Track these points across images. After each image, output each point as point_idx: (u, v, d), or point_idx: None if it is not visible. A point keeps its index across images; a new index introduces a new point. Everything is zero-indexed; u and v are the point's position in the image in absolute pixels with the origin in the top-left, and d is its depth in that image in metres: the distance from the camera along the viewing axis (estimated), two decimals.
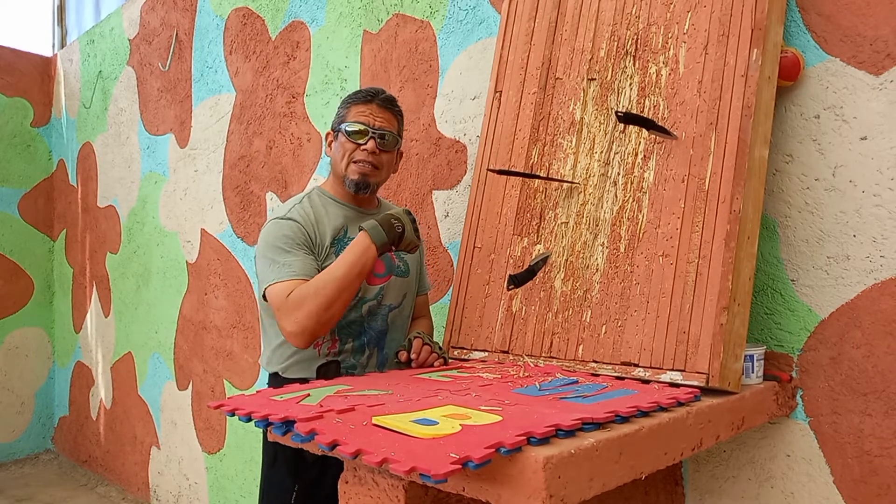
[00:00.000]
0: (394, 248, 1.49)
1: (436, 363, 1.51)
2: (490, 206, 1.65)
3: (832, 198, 1.38)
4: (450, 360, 1.57)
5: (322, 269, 1.52)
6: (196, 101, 3.27)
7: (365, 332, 1.64)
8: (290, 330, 1.44)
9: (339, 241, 1.62)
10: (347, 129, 1.62)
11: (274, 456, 1.63)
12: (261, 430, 1.69)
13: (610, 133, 1.49)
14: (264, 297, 1.55)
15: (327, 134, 1.71)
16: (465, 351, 1.59)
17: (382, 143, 1.62)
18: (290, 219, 1.59)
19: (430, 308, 2.13)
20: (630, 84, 1.48)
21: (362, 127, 1.61)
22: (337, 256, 1.55)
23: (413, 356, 1.49)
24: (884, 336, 1.31)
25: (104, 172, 4.04)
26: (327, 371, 1.60)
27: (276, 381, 1.64)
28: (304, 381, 1.53)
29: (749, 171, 1.27)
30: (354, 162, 1.62)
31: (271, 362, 1.66)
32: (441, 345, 1.57)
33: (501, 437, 0.85)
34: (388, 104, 1.66)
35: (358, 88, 2.39)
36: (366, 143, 1.61)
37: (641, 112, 1.44)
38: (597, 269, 1.43)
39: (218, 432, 3.08)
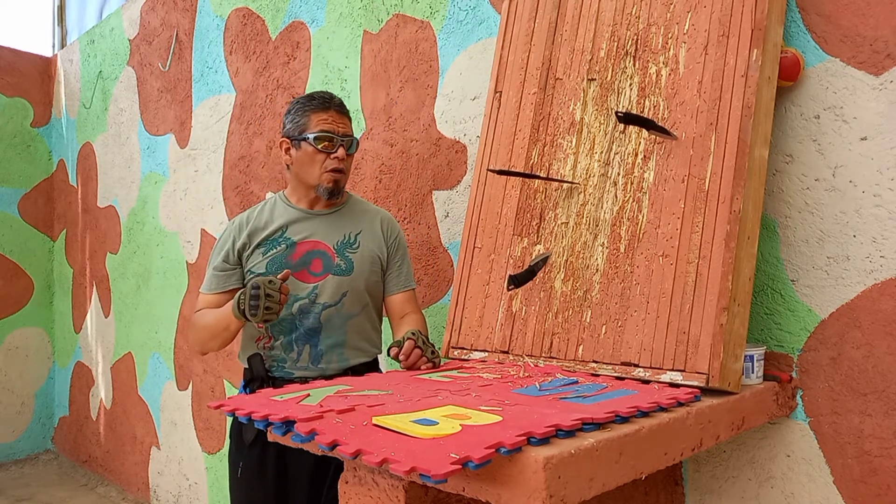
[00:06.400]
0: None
1: (423, 367, 1.51)
2: (490, 207, 1.65)
3: (832, 198, 1.38)
4: (442, 363, 1.56)
5: (246, 265, 1.72)
6: (196, 101, 3.27)
7: (295, 329, 1.70)
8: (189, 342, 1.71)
9: (272, 241, 1.71)
10: (314, 138, 1.66)
11: (230, 435, 1.79)
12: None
13: (610, 133, 1.49)
14: None
15: (282, 142, 1.74)
16: (465, 351, 1.59)
17: (348, 148, 1.71)
18: (232, 222, 1.78)
19: (431, 307, 2.13)
20: (630, 84, 1.48)
21: (330, 136, 1.67)
22: (264, 256, 1.70)
23: (402, 358, 1.50)
24: (884, 336, 1.31)
25: (104, 172, 4.04)
26: (253, 362, 1.72)
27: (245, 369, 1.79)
28: (248, 371, 1.74)
29: (749, 171, 1.27)
30: (327, 171, 1.68)
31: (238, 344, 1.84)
32: (434, 347, 1.55)
33: (501, 438, 0.85)
34: (344, 109, 1.74)
35: (359, 91, 2.40)
36: (336, 151, 1.68)
37: (641, 112, 1.44)
38: (597, 270, 1.43)
39: (218, 432, 3.08)
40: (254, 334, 1.74)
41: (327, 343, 1.71)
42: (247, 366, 1.75)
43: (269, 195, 2.80)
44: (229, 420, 2.98)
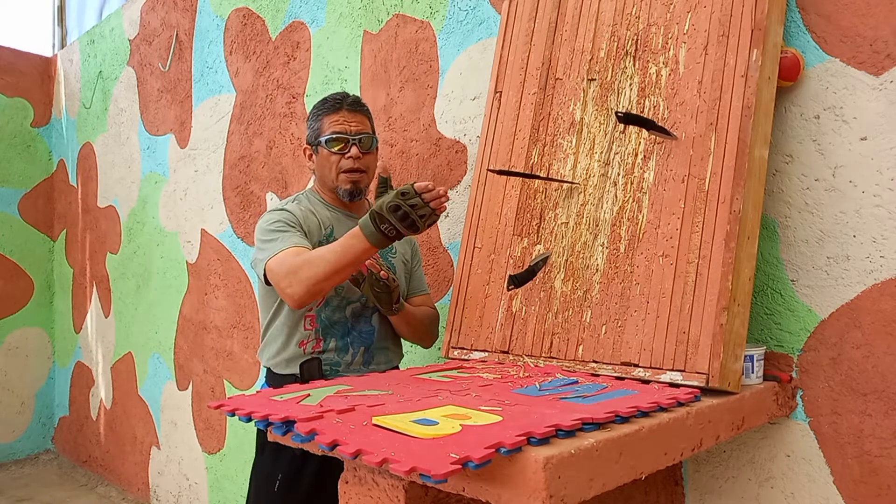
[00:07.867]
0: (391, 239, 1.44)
1: (382, 272, 1.57)
2: (490, 207, 1.65)
3: (832, 198, 1.38)
4: (442, 363, 1.57)
5: None
6: (196, 101, 3.27)
7: (349, 333, 1.70)
8: (286, 293, 1.50)
9: (325, 241, 1.67)
10: (327, 141, 1.66)
11: (262, 445, 1.72)
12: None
13: (610, 133, 1.49)
14: (265, 276, 1.58)
15: (305, 149, 1.76)
16: (465, 351, 1.59)
17: (363, 146, 1.67)
18: (284, 209, 1.67)
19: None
20: (630, 84, 1.48)
21: (341, 136, 1.65)
22: None
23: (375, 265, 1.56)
24: (884, 336, 1.31)
25: (104, 172, 4.04)
26: (310, 368, 1.65)
27: (270, 376, 1.73)
28: (295, 378, 1.64)
29: (749, 172, 1.27)
30: (343, 172, 1.67)
31: (263, 355, 1.75)
32: (393, 278, 1.61)
33: (501, 438, 0.85)
34: (357, 106, 1.70)
35: (359, 91, 2.40)
36: (349, 151, 1.66)
37: (641, 112, 1.44)
38: (597, 270, 1.43)
39: (218, 432, 3.08)
40: (293, 336, 1.67)
41: (379, 345, 1.73)
42: (296, 372, 1.66)
43: (269, 196, 2.80)
44: (230, 421, 2.98)
